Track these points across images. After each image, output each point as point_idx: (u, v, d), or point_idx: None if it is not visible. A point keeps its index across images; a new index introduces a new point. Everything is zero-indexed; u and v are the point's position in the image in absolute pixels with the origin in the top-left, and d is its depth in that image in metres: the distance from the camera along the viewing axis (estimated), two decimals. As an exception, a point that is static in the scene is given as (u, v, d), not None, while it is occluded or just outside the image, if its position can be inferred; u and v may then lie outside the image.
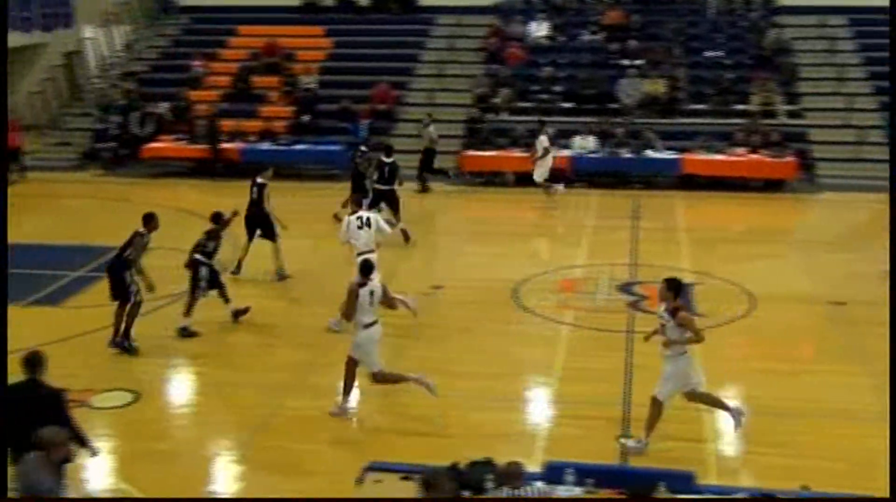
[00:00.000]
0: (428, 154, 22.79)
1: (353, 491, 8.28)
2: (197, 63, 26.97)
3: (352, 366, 11.24)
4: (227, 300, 14.05)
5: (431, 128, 22.89)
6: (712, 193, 21.85)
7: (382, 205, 17.83)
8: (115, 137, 24.91)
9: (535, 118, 22.52)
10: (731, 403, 10.62)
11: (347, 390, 11.30)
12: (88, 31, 30.02)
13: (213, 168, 23.32)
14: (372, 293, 10.98)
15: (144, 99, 25.65)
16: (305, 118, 24.82)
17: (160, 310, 14.45)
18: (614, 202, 21.43)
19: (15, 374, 8.56)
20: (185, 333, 13.62)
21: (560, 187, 21.31)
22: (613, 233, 18.90)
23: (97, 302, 15.04)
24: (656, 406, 10.21)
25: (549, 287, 15.72)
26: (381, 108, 25.14)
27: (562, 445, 10.38)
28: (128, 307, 13.04)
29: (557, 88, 25.34)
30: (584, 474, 8.03)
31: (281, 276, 16.04)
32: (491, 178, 23.07)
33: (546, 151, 21.01)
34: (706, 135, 22.98)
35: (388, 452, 9.75)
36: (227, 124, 24.30)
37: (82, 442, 8.61)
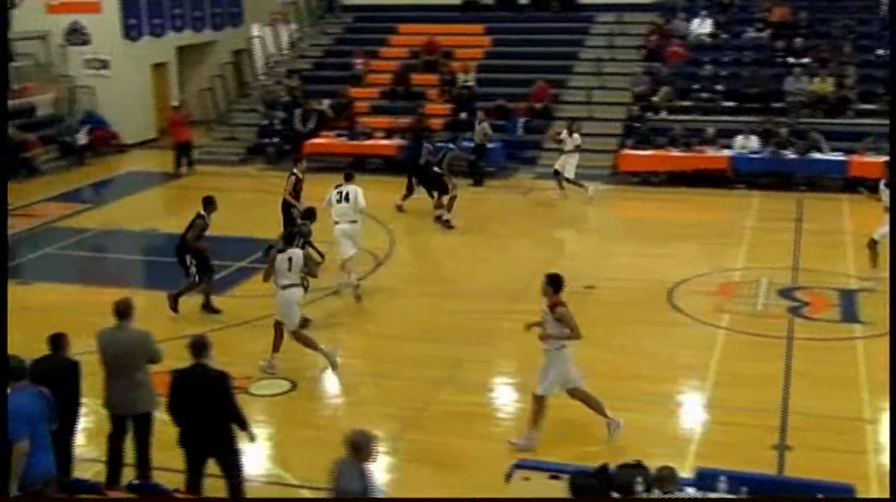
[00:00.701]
0: (480, 150, 22.82)
1: (501, 487, 8.31)
2: (358, 61, 27.50)
3: (278, 326, 12.48)
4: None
5: (485, 124, 22.99)
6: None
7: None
8: (278, 133, 25.63)
9: (690, 117, 22.08)
10: (609, 414, 10.47)
11: (276, 347, 12.46)
12: (256, 30, 31.00)
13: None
14: (290, 260, 12.30)
15: (307, 96, 26.31)
16: (462, 116, 25.00)
17: (319, 302, 14.81)
18: (776, 204, 20.80)
19: (181, 360, 8.93)
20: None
21: (592, 186, 21.14)
22: (775, 235, 18.36)
23: (258, 291, 15.55)
24: (537, 401, 10.31)
25: (705, 289, 15.39)
26: (537, 106, 25.10)
27: (714, 451, 10.17)
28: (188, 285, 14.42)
29: (719, 87, 24.77)
30: (738, 482, 7.83)
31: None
32: (647, 178, 22.75)
33: (577, 148, 21.05)
34: (875, 136, 22.06)
35: (540, 450, 9.75)
36: (385, 121, 24.72)
37: (243, 426, 8.95)
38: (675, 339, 13.50)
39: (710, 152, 22.36)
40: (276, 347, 12.47)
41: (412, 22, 28.87)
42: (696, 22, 27.05)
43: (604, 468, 8.02)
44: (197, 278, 14.49)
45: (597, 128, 24.16)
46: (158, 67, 29.04)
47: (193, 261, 14.43)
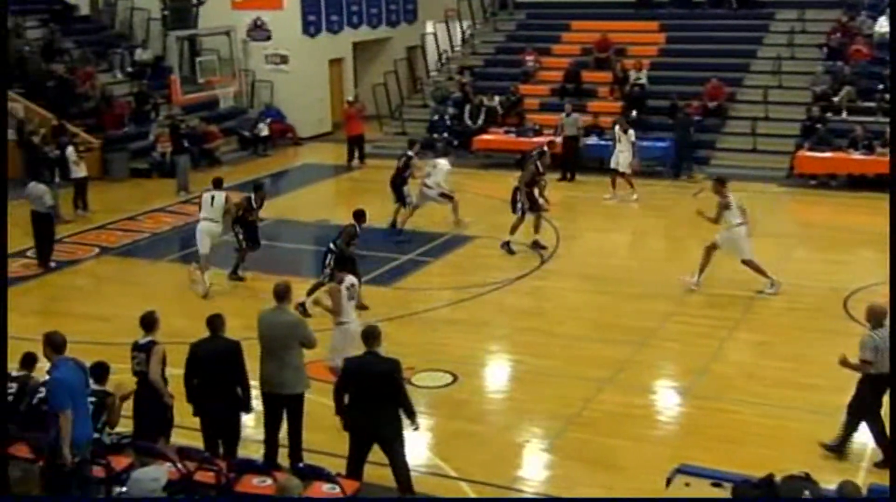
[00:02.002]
0: (572, 143, 22.68)
1: (659, 490, 8.17)
2: (529, 57, 27.48)
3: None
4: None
5: (576, 115, 23.00)
6: None
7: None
8: (448, 128, 25.88)
9: (873, 118, 21.08)
10: None
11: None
12: (430, 27, 31.39)
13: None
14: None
15: (477, 92, 26.48)
16: (633, 113, 24.67)
17: (482, 297, 14.92)
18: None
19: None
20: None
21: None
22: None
23: (423, 284, 15.79)
24: (333, 373, 10.28)
25: (885, 299, 14.68)
26: (711, 104, 24.53)
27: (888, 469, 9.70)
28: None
29: (906, 87, 23.63)
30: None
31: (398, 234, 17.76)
32: (825, 181, 21.92)
33: (633, 145, 20.73)
34: None
35: (703, 456, 9.55)
36: (554, 119, 24.65)
37: (411, 414, 9.10)
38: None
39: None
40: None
41: (585, 19, 28.63)
42: (881, 20, 25.85)
43: (769, 478, 7.77)
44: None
45: (773, 128, 23.41)
46: (335, 63, 29.76)
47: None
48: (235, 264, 16.03)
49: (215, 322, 9.58)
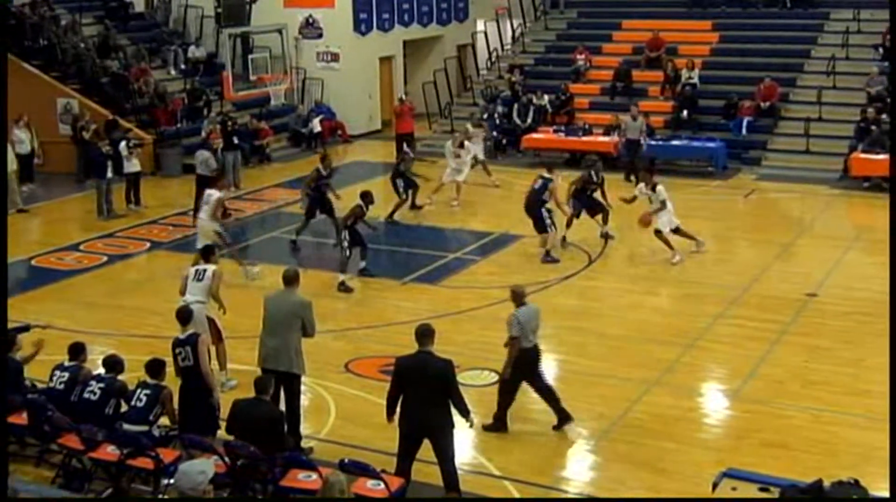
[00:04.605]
0: (635, 146, 22.29)
1: (705, 494, 8.10)
2: (580, 56, 27.38)
3: None
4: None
5: (641, 118, 22.54)
6: None
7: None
8: (497, 127, 25.85)
9: None
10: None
11: None
12: (480, 25, 31.38)
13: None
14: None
15: (527, 90, 26.43)
16: (684, 113, 24.49)
17: (529, 296, 14.86)
18: None
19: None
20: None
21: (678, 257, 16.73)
22: None
23: (470, 283, 15.78)
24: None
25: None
26: (764, 105, 24.27)
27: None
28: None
29: (966, 88, 23.21)
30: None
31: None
32: (878, 183, 21.58)
33: (663, 205, 16.56)
34: None
35: (750, 460, 9.45)
36: (605, 118, 24.54)
37: (464, 413, 9.13)
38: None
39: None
40: None
41: (636, 18, 28.48)
42: (939, 20, 25.42)
43: (818, 484, 7.67)
44: (349, 253, 15.64)
45: (827, 129, 23.13)
46: (385, 61, 29.85)
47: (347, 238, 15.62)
48: (342, 268, 15.72)
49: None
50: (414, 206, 19.81)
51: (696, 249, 16.76)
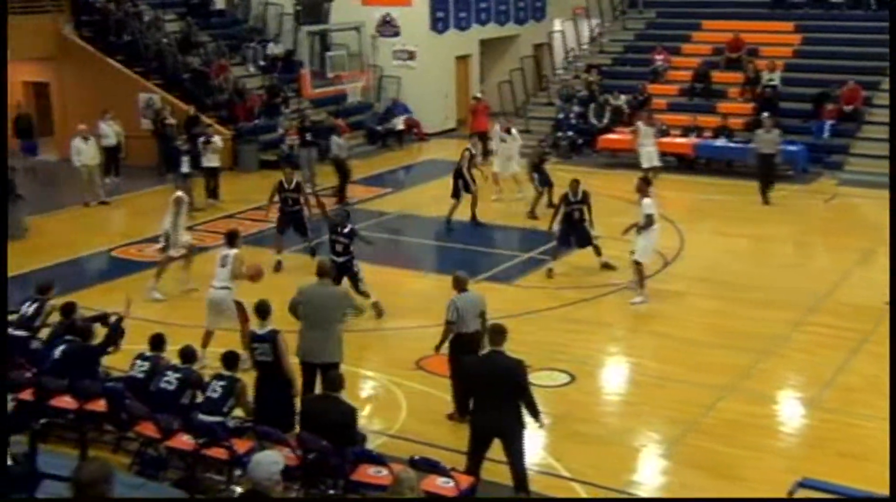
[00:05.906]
0: (769, 161, 20.64)
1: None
2: (658, 57, 27.11)
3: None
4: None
5: (776, 131, 20.80)
6: None
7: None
8: (573, 127, 25.72)
9: None
10: None
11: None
12: (558, 24, 31.24)
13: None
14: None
15: (604, 91, 26.25)
16: (764, 115, 24.09)
17: (603, 298, 14.79)
18: None
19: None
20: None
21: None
22: None
23: (543, 283, 15.73)
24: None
25: None
26: (847, 108, 23.78)
27: None
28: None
29: None
30: None
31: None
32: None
33: (649, 220, 14.71)
34: None
35: (825, 470, 9.28)
36: (683, 119, 24.27)
37: (535, 413, 9.12)
38: None
39: None
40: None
41: (717, 18, 28.10)
42: None
43: (894, 496, 7.53)
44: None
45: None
46: (461, 59, 29.88)
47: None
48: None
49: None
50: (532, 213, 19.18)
51: (638, 299, 14.79)
